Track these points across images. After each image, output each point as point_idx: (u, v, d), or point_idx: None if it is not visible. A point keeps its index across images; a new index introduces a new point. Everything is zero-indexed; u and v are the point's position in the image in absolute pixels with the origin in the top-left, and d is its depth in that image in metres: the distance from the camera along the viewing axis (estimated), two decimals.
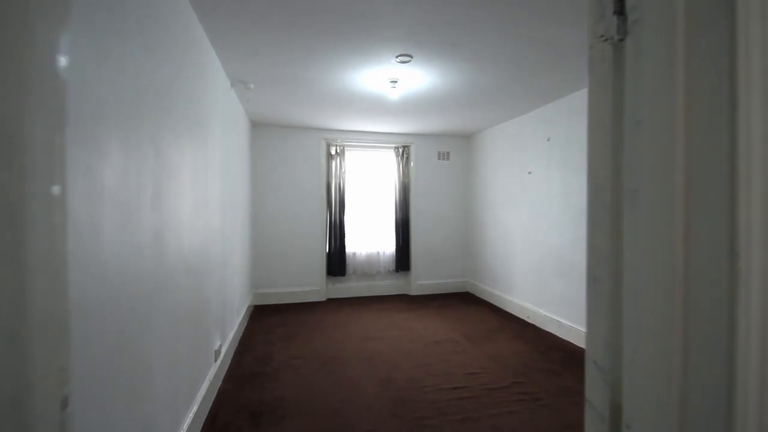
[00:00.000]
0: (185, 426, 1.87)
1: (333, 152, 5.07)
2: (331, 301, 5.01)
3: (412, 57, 2.62)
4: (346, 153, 5.15)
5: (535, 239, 4.03)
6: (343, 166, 5.07)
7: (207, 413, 2.28)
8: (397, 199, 5.31)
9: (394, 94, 3.11)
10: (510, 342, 3.52)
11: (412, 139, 5.35)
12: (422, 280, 5.44)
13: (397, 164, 5.31)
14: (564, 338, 3.58)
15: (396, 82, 3.07)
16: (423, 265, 5.45)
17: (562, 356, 3.17)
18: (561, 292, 3.66)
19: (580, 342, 3.41)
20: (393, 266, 5.36)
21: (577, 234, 3.43)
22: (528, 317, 4.16)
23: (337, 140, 5.07)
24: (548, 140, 3.83)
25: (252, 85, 3.22)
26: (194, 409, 2.04)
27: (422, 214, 5.42)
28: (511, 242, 4.50)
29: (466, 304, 4.92)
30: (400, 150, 5.32)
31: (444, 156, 5.51)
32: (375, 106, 3.84)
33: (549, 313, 3.82)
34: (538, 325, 3.98)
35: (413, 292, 5.39)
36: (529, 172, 4.14)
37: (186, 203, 2.01)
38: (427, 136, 5.41)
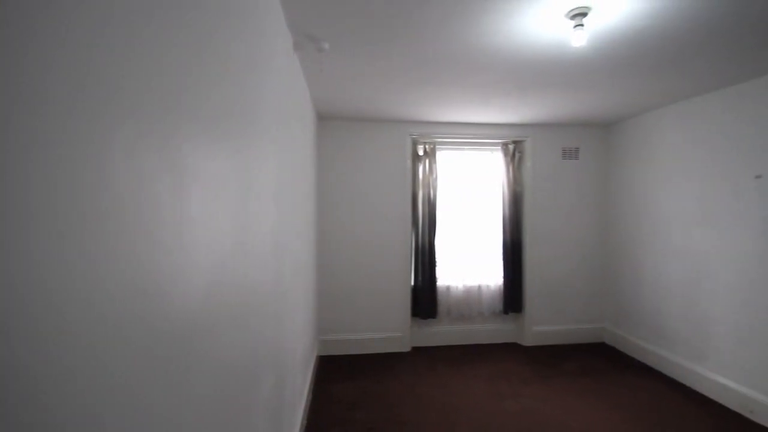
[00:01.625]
0: None
1: (421, 152, 3.76)
2: (417, 353, 3.69)
3: None
4: (437, 153, 3.82)
5: None
6: (434, 171, 3.74)
7: None
8: (506, 215, 3.88)
9: (579, 38, 1.72)
10: None
11: (527, 131, 3.90)
12: (540, 325, 3.95)
13: (505, 167, 3.89)
14: None
15: (585, 14, 1.68)
16: (540, 305, 3.95)
17: None
18: None
19: None
20: (500, 306, 3.92)
21: None
22: (752, 412, 2.55)
23: (427, 136, 3.76)
24: None
25: (327, 45, 2.00)
26: None
27: (540, 235, 3.94)
28: (708, 286, 2.89)
29: (616, 368, 3.36)
30: (510, 147, 3.88)
31: (571, 154, 3.99)
32: (537, 69, 2.37)
33: None
34: None
35: (527, 341, 3.91)
36: (759, 177, 2.53)
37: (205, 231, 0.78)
38: (547, 127, 3.93)
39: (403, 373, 3.24)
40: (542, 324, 3.95)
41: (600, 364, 3.47)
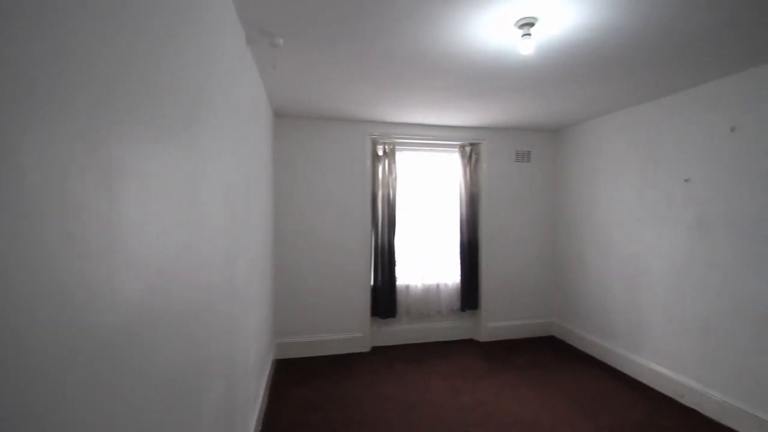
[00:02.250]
0: None
1: (380, 153, 3.78)
2: (377, 352, 3.70)
3: None
4: (397, 154, 3.86)
5: (702, 283, 2.67)
6: (394, 171, 3.77)
7: None
8: (463, 215, 3.99)
9: (527, 46, 1.80)
10: None
11: (483, 134, 4.03)
12: (495, 321, 4.10)
13: (462, 168, 3.99)
14: None
15: (532, 25, 1.76)
16: (496, 302, 4.10)
17: None
18: (766, 370, 2.29)
19: None
20: (457, 304, 4.03)
21: None
22: (682, 396, 2.79)
23: (387, 137, 3.78)
24: (732, 131, 2.47)
25: (281, 40, 1.95)
26: None
27: (495, 234, 4.08)
28: (645, 281, 3.13)
29: (563, 360, 3.56)
30: (467, 150, 4.00)
31: (524, 157, 4.17)
32: (485, 73, 2.45)
33: (737, 402, 2.44)
34: (706, 413, 2.60)
35: (483, 337, 4.05)
36: (687, 180, 2.78)
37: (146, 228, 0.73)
38: (501, 130, 4.09)
39: (363, 373, 3.24)
40: (497, 320, 4.10)
41: (549, 356, 3.66)
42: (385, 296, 3.74)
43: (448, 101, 3.04)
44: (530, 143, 4.18)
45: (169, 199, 0.97)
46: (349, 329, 3.70)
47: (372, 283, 3.78)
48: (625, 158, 3.33)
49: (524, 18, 1.73)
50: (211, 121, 1.35)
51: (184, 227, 1.08)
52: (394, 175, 3.75)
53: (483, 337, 4.05)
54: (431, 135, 3.89)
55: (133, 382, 0.77)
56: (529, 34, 1.78)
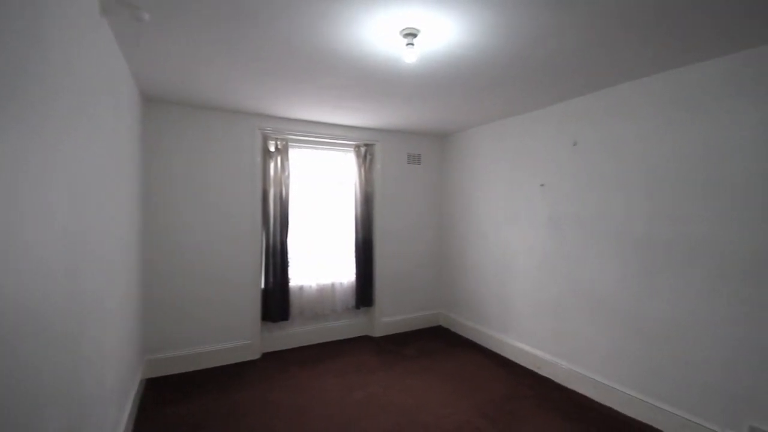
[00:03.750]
0: None
1: (272, 148, 3.60)
2: (269, 359, 3.53)
3: None
4: (290, 151, 3.73)
5: (554, 271, 3.16)
6: (287, 169, 3.64)
7: None
8: (358, 214, 4.06)
9: (411, 55, 1.89)
10: (544, 419, 2.55)
11: (377, 135, 4.14)
12: (388, 316, 4.26)
13: (357, 168, 4.05)
14: (605, 403, 2.74)
15: (415, 35, 1.86)
16: (389, 297, 4.27)
17: None
18: (598, 343, 2.82)
19: (627, 409, 2.59)
20: (352, 302, 4.07)
21: (628, 270, 2.62)
22: (539, 368, 3.28)
23: (279, 132, 3.62)
24: (574, 145, 2.99)
25: (147, 15, 1.71)
26: None
27: (388, 233, 4.25)
28: (512, 271, 3.59)
29: (448, 347, 3.88)
30: (362, 150, 4.07)
31: (415, 159, 4.42)
32: (374, 76, 2.52)
33: (578, 368, 2.96)
34: (557, 380, 3.10)
35: (377, 332, 4.18)
36: (542, 185, 3.26)
37: None
38: (395, 133, 4.26)
39: (253, 382, 3.06)
40: (390, 315, 4.27)
41: (435, 345, 3.95)
42: (277, 299, 3.58)
43: (342, 101, 3.05)
44: (421, 147, 4.45)
45: None
46: (237, 337, 3.45)
47: (263, 285, 3.59)
48: (497, 164, 3.76)
49: (407, 28, 1.82)
50: (44, 101, 1.10)
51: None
52: (287, 173, 3.62)
53: (377, 332, 4.18)
54: (326, 133, 3.85)
55: None
56: (413, 44, 1.88)
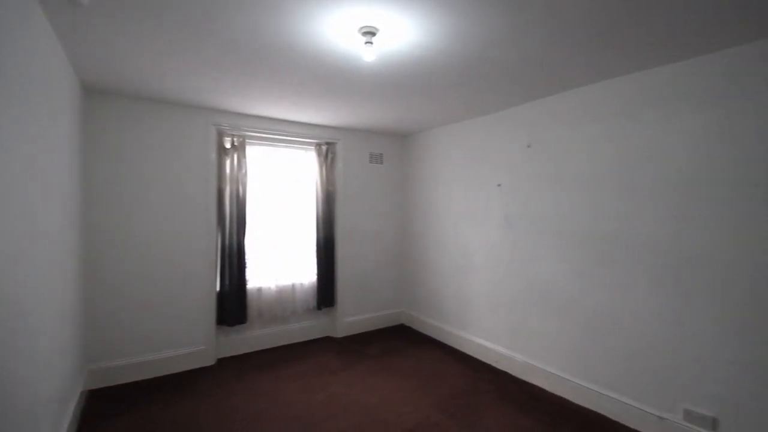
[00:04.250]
0: None
1: (228, 145, 3.47)
2: (225, 364, 3.39)
3: None
4: (248, 148, 3.61)
5: (510, 268, 3.27)
6: (244, 166, 3.51)
7: None
8: (319, 213, 4.00)
9: (370, 53, 1.88)
10: (501, 411, 2.64)
11: (338, 134, 4.10)
12: (350, 316, 4.23)
13: (318, 167, 3.99)
14: (557, 394, 2.87)
15: (374, 34, 1.85)
16: (352, 297, 4.24)
17: (576, 429, 2.42)
18: (551, 335, 2.96)
19: (576, 398, 2.74)
20: (314, 302, 4.01)
21: (577, 266, 2.76)
22: (497, 362, 3.38)
23: (236, 129, 3.49)
24: (528, 147, 3.11)
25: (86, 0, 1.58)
26: None
27: (350, 232, 4.22)
28: (471, 269, 3.68)
29: (410, 345, 3.92)
30: (324, 148, 4.01)
31: (377, 158, 4.42)
32: (334, 73, 2.48)
33: (532, 360, 3.08)
34: (513, 373, 3.22)
35: (339, 333, 4.14)
36: (499, 185, 3.37)
37: None
38: (357, 132, 4.24)
39: (207, 389, 2.92)
40: (352, 315, 4.24)
41: (398, 343, 3.98)
42: (233, 301, 3.45)
43: (302, 97, 2.99)
44: (383, 146, 4.45)
45: None
46: (189, 343, 3.29)
47: (218, 288, 3.44)
48: (457, 164, 3.85)
49: (366, 26, 1.81)
50: None
51: None
52: (244, 171, 3.49)
53: (339, 333, 4.14)
54: (286, 130, 3.76)
55: None
56: (371, 42, 1.87)
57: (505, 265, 3.32)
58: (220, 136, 3.45)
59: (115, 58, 2.23)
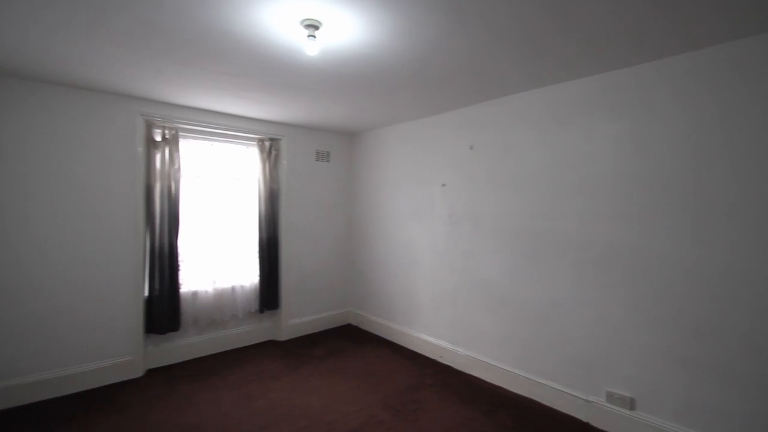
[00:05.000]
0: None
1: (159, 138, 3.20)
2: (155, 375, 3.13)
3: None
4: (182, 142, 3.36)
5: (453, 265, 3.37)
6: (177, 161, 3.26)
7: None
8: (262, 212, 3.83)
9: (312, 48, 1.82)
10: (444, 404, 2.70)
11: (283, 130, 3.96)
12: (296, 318, 4.11)
13: (261, 163, 3.82)
14: (496, 384, 3.01)
15: (317, 28, 1.79)
16: (297, 298, 4.12)
17: (513, 416, 2.55)
18: (489, 329, 3.09)
19: (513, 386, 2.89)
20: (256, 305, 3.83)
21: (513, 262, 2.91)
22: (441, 357, 3.47)
23: (168, 120, 3.22)
24: (471, 148, 3.22)
25: None
26: None
27: (296, 231, 4.10)
28: (417, 267, 3.74)
29: (357, 344, 3.90)
30: (267, 144, 3.85)
31: (323, 156, 4.33)
32: (276, 66, 2.36)
33: (473, 354, 3.20)
34: (456, 366, 3.32)
35: (284, 336, 4.00)
36: (444, 185, 3.46)
37: None
38: (302, 129, 4.12)
39: (132, 404, 2.67)
40: (298, 316, 4.13)
41: (345, 343, 3.93)
42: (164, 307, 3.19)
43: (242, 90, 2.83)
44: (330, 144, 4.38)
45: None
46: (113, 353, 2.99)
47: (146, 293, 3.16)
48: (404, 164, 3.89)
49: (308, 19, 1.75)
50: None
51: None
52: (177, 166, 3.24)
53: (284, 336, 4.00)
54: (226, 124, 3.55)
55: None
56: (314, 36, 1.81)
57: (448, 262, 3.41)
58: (150, 127, 3.17)
59: (16, 35, 1.94)
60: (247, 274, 3.78)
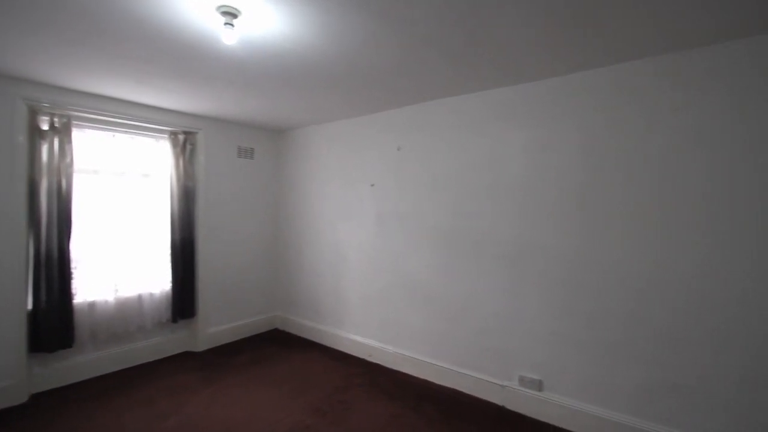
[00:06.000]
0: None
1: (45, 127, 2.76)
2: (42, 400, 2.69)
3: None
4: (75, 132, 2.93)
5: (381, 265, 3.41)
6: (69, 154, 2.84)
7: None
8: (175, 212, 3.50)
9: (229, 37, 1.69)
10: (373, 403, 2.72)
11: (200, 123, 3.66)
12: (215, 326, 3.83)
13: (174, 159, 3.49)
14: (423, 378, 3.11)
15: (235, 16, 1.68)
16: (216, 305, 3.84)
17: (438, 408, 2.66)
18: (416, 325, 3.18)
19: (438, 379, 3.02)
20: (168, 315, 3.49)
21: (437, 259, 3.03)
22: (370, 356, 3.49)
23: (58, 107, 2.79)
24: (398, 150, 3.29)
25: None
26: None
27: (215, 232, 3.82)
28: (345, 267, 3.72)
29: (284, 349, 3.76)
30: (181, 138, 3.53)
31: (247, 153, 4.10)
32: (189, 53, 2.15)
33: (401, 350, 3.27)
34: (385, 364, 3.37)
35: (202, 346, 3.71)
36: (372, 185, 3.48)
37: None
38: (222, 123, 3.85)
39: None
40: (218, 324, 3.85)
41: (271, 349, 3.77)
42: (53, 321, 2.76)
43: (149, 77, 2.56)
44: (254, 140, 4.16)
45: None
46: None
47: (30, 306, 2.71)
48: (333, 163, 3.84)
49: (225, 6, 1.63)
50: None
51: None
52: (69, 159, 2.82)
53: (201, 346, 3.70)
54: (131, 114, 3.18)
55: None
56: (232, 25, 1.69)
57: (376, 261, 3.45)
58: (34, 114, 2.72)
59: None
60: (157, 281, 3.43)
